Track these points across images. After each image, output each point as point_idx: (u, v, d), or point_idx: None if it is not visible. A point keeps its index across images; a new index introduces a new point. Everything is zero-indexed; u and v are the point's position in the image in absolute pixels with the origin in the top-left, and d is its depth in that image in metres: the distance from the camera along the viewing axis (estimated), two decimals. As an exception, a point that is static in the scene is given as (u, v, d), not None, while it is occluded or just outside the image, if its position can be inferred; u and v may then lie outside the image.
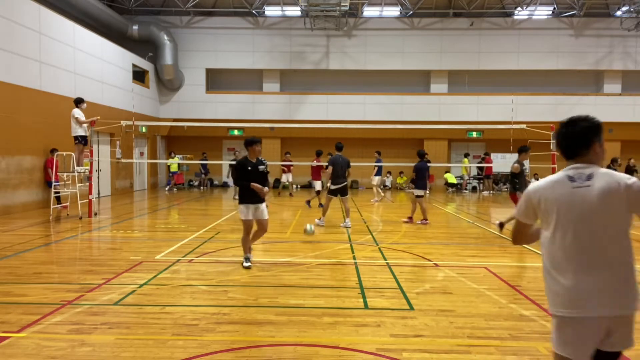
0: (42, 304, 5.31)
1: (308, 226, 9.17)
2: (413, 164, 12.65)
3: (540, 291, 6.07)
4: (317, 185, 16.96)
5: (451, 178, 24.27)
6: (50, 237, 9.86)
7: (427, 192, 23.47)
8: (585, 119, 2.57)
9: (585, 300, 2.36)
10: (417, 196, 12.33)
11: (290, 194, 20.86)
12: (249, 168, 7.14)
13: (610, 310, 2.34)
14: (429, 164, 22.29)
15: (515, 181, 10.12)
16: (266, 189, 7.18)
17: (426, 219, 12.14)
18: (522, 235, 2.76)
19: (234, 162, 18.10)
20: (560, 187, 2.47)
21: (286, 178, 20.05)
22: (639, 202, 2.36)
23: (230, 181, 19.65)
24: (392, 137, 23.77)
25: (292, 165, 19.87)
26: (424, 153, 12.67)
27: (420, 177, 12.30)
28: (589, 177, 2.43)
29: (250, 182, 7.08)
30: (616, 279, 2.36)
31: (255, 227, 7.40)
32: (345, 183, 11.49)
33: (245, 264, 7.18)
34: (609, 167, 12.83)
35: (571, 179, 2.46)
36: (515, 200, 10.13)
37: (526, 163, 10.38)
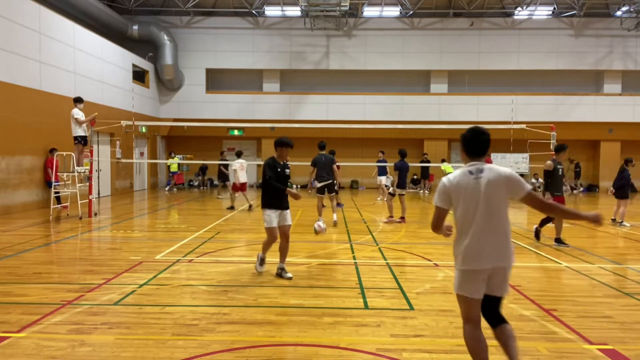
0: (42, 304, 5.31)
1: (320, 224, 7.91)
2: (413, 164, 12.73)
3: (540, 291, 6.07)
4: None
5: (449, 169, 23.94)
6: (50, 237, 9.86)
7: (427, 191, 23.62)
8: (487, 132, 3.51)
9: (479, 257, 3.33)
10: (390, 194, 12.74)
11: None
12: (278, 170, 6.57)
13: (495, 263, 3.33)
14: (429, 164, 22.32)
15: (548, 180, 9.33)
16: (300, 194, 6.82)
17: (392, 217, 12.52)
18: (441, 220, 3.53)
19: (223, 163, 17.72)
20: (464, 178, 3.39)
21: None
22: (514, 188, 3.35)
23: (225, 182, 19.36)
24: (392, 137, 23.77)
25: None
26: (406, 153, 12.72)
27: (400, 177, 12.50)
28: (481, 171, 3.38)
29: (284, 187, 6.51)
30: (499, 241, 3.34)
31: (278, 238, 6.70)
32: (330, 180, 11.55)
33: (259, 268, 6.77)
34: (623, 167, 12.55)
35: (471, 172, 3.39)
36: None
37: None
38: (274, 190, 6.51)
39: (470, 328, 3.48)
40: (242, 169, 15.09)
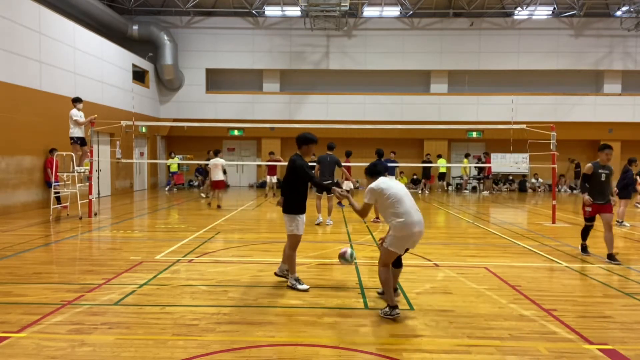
0: (42, 304, 5.31)
1: (347, 252, 5.85)
2: (413, 165, 12.68)
3: (540, 291, 6.07)
4: (346, 185, 16.59)
5: (442, 167, 23.66)
6: (50, 237, 9.86)
7: (428, 191, 23.60)
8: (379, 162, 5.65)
9: (412, 227, 5.04)
10: None
11: (268, 195, 19.51)
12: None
13: (420, 230, 5.12)
14: (431, 164, 22.22)
15: (586, 186, 8.05)
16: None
17: (378, 218, 12.50)
18: (368, 211, 5.41)
19: (207, 163, 17.39)
20: (390, 181, 5.25)
21: (270, 180, 19.35)
22: None
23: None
24: (392, 137, 23.76)
25: (276, 166, 19.10)
26: (383, 152, 12.46)
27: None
28: (394, 178, 6.33)
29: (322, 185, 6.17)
30: (421, 216, 5.16)
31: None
32: (331, 181, 11.56)
33: (301, 287, 5.96)
34: (627, 167, 12.47)
35: (390, 179, 5.32)
36: (582, 209, 8.23)
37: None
38: (312, 190, 6.26)
39: (387, 270, 5.16)
40: (216, 167, 15.33)
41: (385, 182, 5.15)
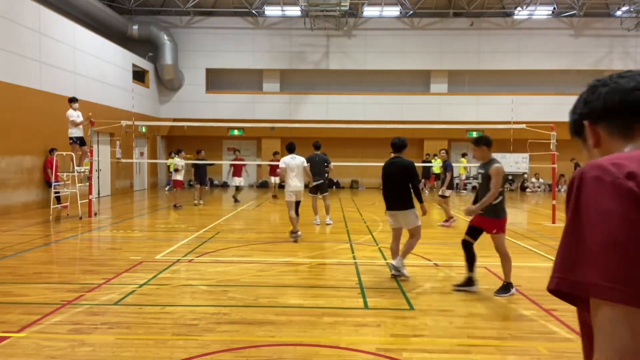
0: (42, 304, 5.31)
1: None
2: (416, 164, 12.70)
3: (540, 291, 6.06)
4: (237, 181, 17.68)
5: (436, 168, 23.48)
6: (50, 237, 9.86)
7: (427, 191, 23.58)
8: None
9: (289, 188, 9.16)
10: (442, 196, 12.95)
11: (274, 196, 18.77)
12: None
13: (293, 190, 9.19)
14: (430, 164, 22.16)
15: None
16: None
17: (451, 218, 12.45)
18: (283, 175, 9.36)
19: (199, 163, 16.76)
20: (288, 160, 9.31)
21: (274, 180, 18.66)
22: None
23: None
24: (392, 137, 23.67)
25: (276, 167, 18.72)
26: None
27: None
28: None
29: None
30: (297, 182, 9.26)
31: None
32: (322, 180, 11.64)
33: (405, 272, 6.57)
34: None
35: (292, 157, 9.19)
36: None
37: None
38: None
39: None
40: (177, 167, 15.55)
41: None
